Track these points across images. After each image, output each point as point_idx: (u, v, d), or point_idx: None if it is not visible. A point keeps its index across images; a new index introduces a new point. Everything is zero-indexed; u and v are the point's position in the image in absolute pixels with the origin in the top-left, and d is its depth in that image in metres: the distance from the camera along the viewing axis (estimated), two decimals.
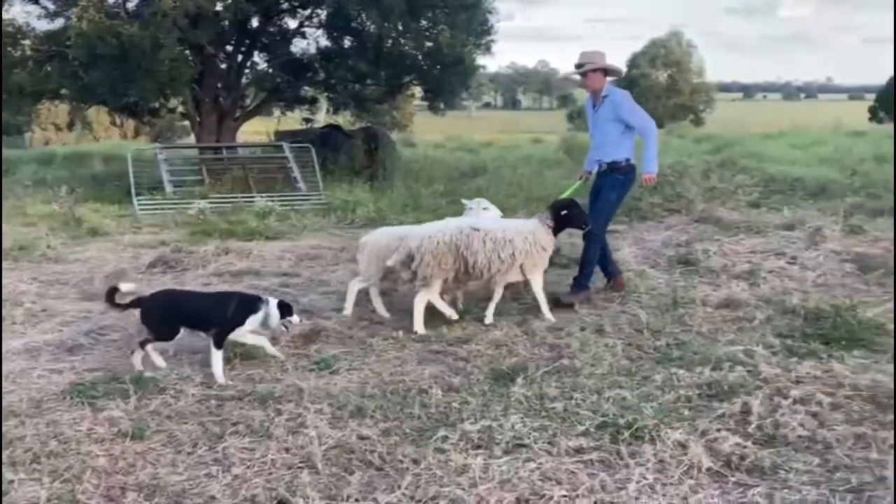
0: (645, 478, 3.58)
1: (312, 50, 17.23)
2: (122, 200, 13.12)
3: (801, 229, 9.11)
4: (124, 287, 5.09)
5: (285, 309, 5.22)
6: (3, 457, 3.77)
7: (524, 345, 5.55)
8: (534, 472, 3.62)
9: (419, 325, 5.92)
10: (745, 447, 3.81)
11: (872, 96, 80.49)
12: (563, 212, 6.30)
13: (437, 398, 4.53)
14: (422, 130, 39.92)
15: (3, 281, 7.10)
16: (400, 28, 14.95)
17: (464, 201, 7.50)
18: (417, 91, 18.26)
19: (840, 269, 7.54)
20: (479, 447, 3.90)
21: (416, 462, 3.76)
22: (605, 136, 6.86)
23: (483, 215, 6.86)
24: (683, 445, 3.81)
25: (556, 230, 6.33)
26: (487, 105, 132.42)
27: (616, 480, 3.59)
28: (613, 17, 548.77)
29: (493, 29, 15.90)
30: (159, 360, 5.15)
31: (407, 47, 15.32)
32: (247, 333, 5.16)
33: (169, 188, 13.48)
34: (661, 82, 63.72)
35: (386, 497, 3.44)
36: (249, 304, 5.15)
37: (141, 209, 12.25)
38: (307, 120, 19.67)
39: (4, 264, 8.02)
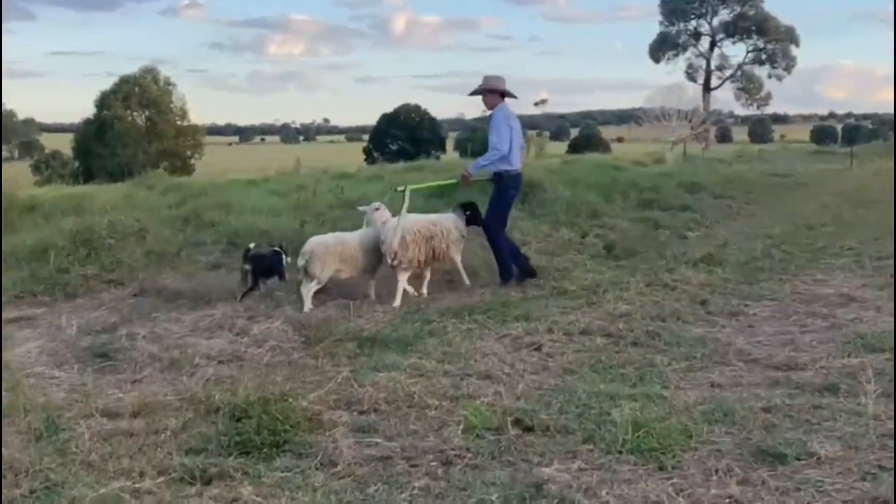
0: None
1: None
2: None
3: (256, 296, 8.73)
4: None
5: None
6: None
7: None
8: None
9: (399, 301, 8.45)
10: None
11: (367, 136, 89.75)
12: (468, 211, 9.31)
13: None
14: None
15: None
16: None
17: (360, 207, 9.49)
18: None
19: (291, 341, 7.16)
20: None
21: None
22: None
23: (378, 215, 8.89)
24: None
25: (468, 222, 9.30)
26: None
27: None
28: (83, 49, 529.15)
29: None
30: None
31: None
32: None
33: None
34: (141, 125, 62.51)
35: None
36: None
37: None
38: None
39: None
